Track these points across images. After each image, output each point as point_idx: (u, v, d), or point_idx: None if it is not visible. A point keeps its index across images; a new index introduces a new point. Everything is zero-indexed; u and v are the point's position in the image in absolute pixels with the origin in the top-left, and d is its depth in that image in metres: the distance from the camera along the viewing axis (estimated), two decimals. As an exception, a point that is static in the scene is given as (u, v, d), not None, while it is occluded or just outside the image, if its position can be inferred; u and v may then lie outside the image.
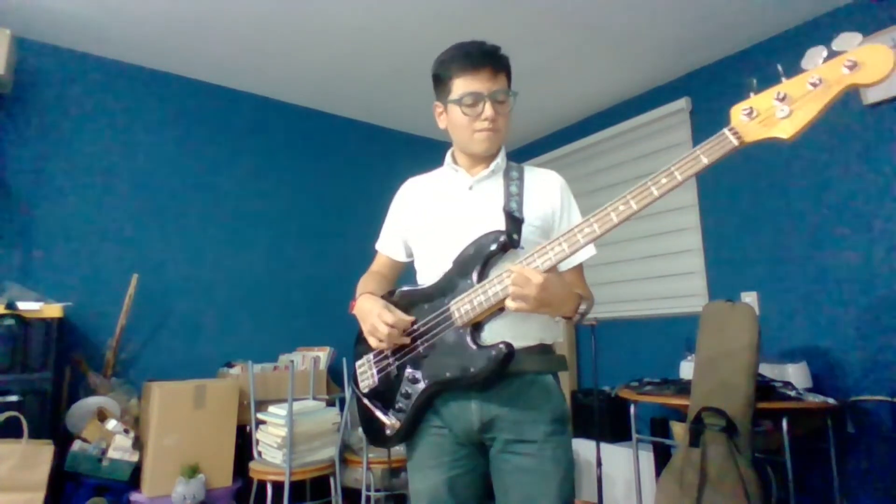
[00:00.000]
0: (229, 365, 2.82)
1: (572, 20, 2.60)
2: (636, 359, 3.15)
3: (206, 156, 3.12)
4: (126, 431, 2.31)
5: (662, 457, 2.62)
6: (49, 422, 2.23)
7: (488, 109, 1.19)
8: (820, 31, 2.56)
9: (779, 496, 2.16)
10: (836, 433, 2.26)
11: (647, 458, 2.66)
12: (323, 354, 2.95)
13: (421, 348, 1.18)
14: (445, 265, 1.20)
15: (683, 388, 2.32)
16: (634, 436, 2.51)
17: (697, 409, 2.07)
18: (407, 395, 1.19)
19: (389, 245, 1.43)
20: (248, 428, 2.51)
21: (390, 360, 1.22)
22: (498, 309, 1.11)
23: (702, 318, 2.28)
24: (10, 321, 2.17)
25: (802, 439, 2.25)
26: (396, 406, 1.20)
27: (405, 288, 1.28)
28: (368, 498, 2.52)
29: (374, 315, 1.18)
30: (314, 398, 2.63)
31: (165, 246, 2.93)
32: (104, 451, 2.26)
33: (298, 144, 3.45)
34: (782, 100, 0.89)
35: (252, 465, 2.38)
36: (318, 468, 2.39)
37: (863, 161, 2.39)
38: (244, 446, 2.52)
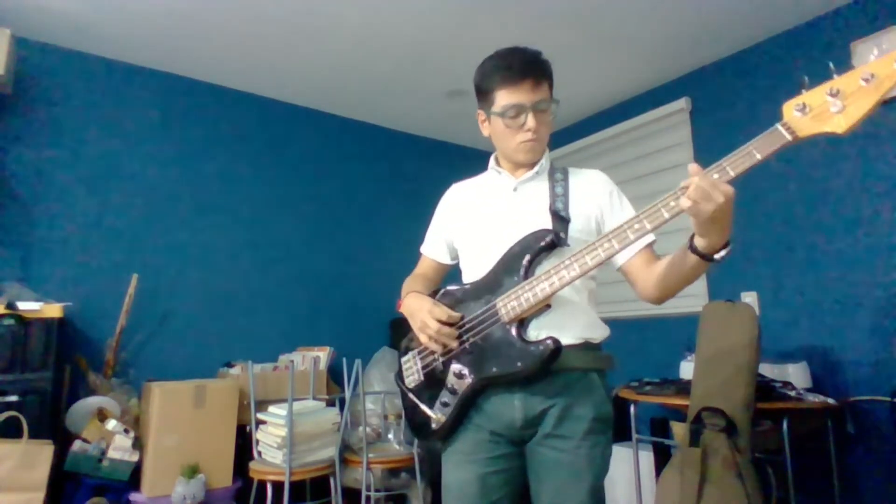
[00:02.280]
0: (229, 365, 2.82)
1: (572, 20, 2.60)
2: (636, 359, 3.14)
3: (206, 156, 3.12)
4: (126, 431, 2.31)
5: (662, 457, 2.62)
6: (49, 422, 2.23)
7: (531, 121, 1.21)
8: (820, 31, 2.56)
9: (779, 496, 2.16)
10: (836, 433, 2.26)
11: (647, 458, 2.66)
12: (323, 354, 2.95)
13: (467, 344, 1.20)
14: (490, 264, 1.22)
15: (683, 388, 2.32)
16: (634, 436, 2.51)
17: (697, 409, 2.07)
18: (453, 391, 1.21)
19: (433, 248, 1.46)
20: (248, 428, 2.51)
21: (436, 355, 1.25)
22: (545, 305, 1.13)
23: (702, 318, 2.28)
24: (10, 321, 2.16)
25: (802, 439, 2.24)
26: (442, 401, 1.22)
27: (451, 287, 1.30)
28: (368, 498, 2.52)
29: (423, 312, 1.21)
30: (314, 398, 2.63)
31: (165, 246, 2.92)
32: (104, 451, 2.26)
33: (298, 145, 3.45)
34: (835, 95, 0.90)
35: (252, 465, 2.38)
36: (318, 468, 2.39)
37: (863, 161, 2.39)
38: (244, 446, 2.52)
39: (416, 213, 3.76)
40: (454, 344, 1.20)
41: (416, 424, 1.30)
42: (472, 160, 4.13)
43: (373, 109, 3.59)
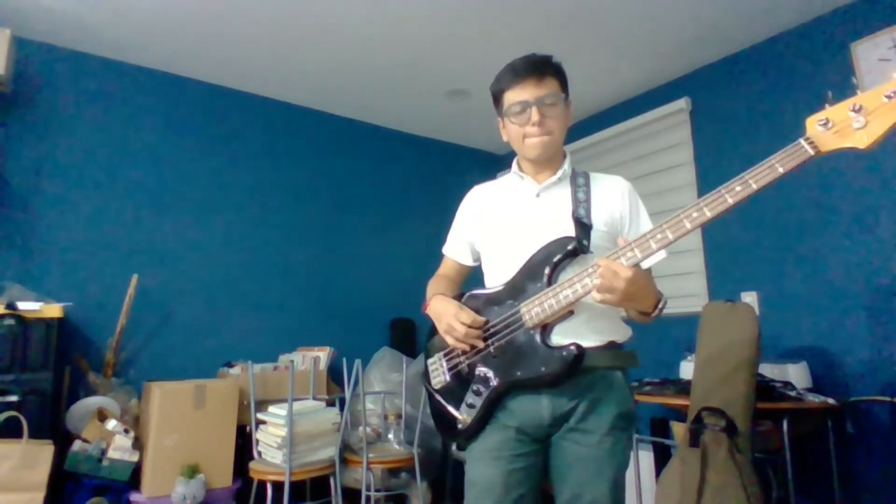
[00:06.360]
0: (229, 365, 2.82)
1: (572, 20, 2.60)
2: (636, 359, 3.15)
3: (205, 156, 3.12)
4: (126, 431, 2.31)
5: (662, 457, 2.62)
6: (49, 422, 2.23)
7: (534, 114, 1.24)
8: (820, 31, 2.56)
9: (779, 496, 2.16)
10: (836, 433, 2.26)
11: (647, 458, 2.66)
12: (323, 354, 2.94)
13: (492, 348, 1.23)
14: (514, 269, 1.25)
15: (683, 388, 2.32)
16: (634, 436, 2.50)
17: (697, 409, 2.07)
18: (478, 393, 1.24)
19: (456, 249, 1.48)
20: (248, 428, 2.51)
21: (461, 358, 1.28)
22: (568, 311, 1.16)
23: (702, 318, 2.28)
24: (10, 321, 2.17)
25: (802, 439, 2.24)
26: (468, 402, 1.26)
27: (475, 290, 1.34)
28: (368, 498, 2.52)
29: (449, 315, 1.24)
30: (314, 398, 2.63)
31: (165, 246, 2.93)
32: (104, 451, 2.26)
33: (298, 145, 3.45)
34: (858, 111, 0.92)
35: (252, 465, 2.38)
36: (318, 468, 2.39)
37: (863, 160, 2.39)
38: (244, 446, 2.52)
39: (416, 213, 3.79)
40: (480, 346, 1.24)
41: (443, 424, 1.33)
42: (472, 160, 4.16)
43: (373, 109, 3.59)
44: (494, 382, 1.22)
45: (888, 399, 2.20)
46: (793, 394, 2.13)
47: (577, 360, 1.12)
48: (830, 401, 2.15)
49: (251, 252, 3.18)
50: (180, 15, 2.54)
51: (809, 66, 2.57)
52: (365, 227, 3.63)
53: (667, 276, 3.09)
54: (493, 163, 4.12)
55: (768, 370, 2.28)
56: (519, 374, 1.18)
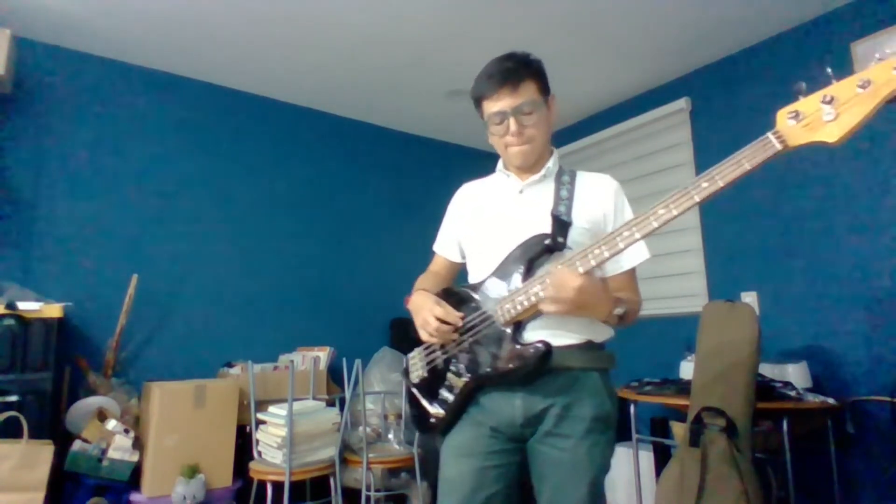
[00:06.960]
0: (229, 365, 2.82)
1: (572, 20, 2.60)
2: (636, 359, 3.14)
3: (206, 155, 3.12)
4: (126, 431, 2.31)
5: (662, 457, 2.62)
6: (49, 422, 2.23)
7: (512, 125, 1.25)
8: (820, 31, 2.56)
9: (779, 496, 2.16)
10: (836, 433, 2.26)
11: (647, 458, 2.66)
12: (323, 354, 2.94)
13: (466, 344, 1.23)
14: (493, 266, 1.25)
15: (683, 388, 2.32)
16: (634, 436, 2.51)
17: (697, 409, 2.07)
18: (451, 388, 1.25)
19: (445, 246, 1.49)
20: (248, 428, 2.51)
21: (438, 353, 1.29)
22: (539, 309, 1.15)
23: (702, 318, 2.28)
24: (10, 321, 2.16)
25: (802, 439, 2.24)
26: (441, 397, 1.27)
27: (454, 287, 1.35)
28: (368, 498, 2.52)
29: (425, 310, 1.25)
30: (314, 398, 2.63)
31: (165, 246, 2.92)
32: (104, 451, 2.26)
33: (298, 145, 3.45)
34: (829, 102, 0.87)
35: (252, 465, 2.38)
36: (318, 468, 2.39)
37: (863, 160, 2.39)
38: (244, 446, 2.52)
39: (416, 213, 3.79)
40: (452, 341, 1.24)
41: (417, 418, 1.35)
42: (471, 160, 4.15)
43: (373, 109, 3.59)
44: (466, 378, 1.22)
45: (888, 399, 2.20)
46: (793, 394, 2.13)
47: (545, 357, 1.11)
48: (830, 401, 2.15)
49: (251, 252, 3.18)
50: (180, 15, 2.54)
51: (809, 66, 2.57)
52: (365, 227, 3.63)
53: (667, 277, 3.10)
54: (493, 162, 4.12)
55: (768, 370, 2.28)
56: (489, 370, 1.18)
